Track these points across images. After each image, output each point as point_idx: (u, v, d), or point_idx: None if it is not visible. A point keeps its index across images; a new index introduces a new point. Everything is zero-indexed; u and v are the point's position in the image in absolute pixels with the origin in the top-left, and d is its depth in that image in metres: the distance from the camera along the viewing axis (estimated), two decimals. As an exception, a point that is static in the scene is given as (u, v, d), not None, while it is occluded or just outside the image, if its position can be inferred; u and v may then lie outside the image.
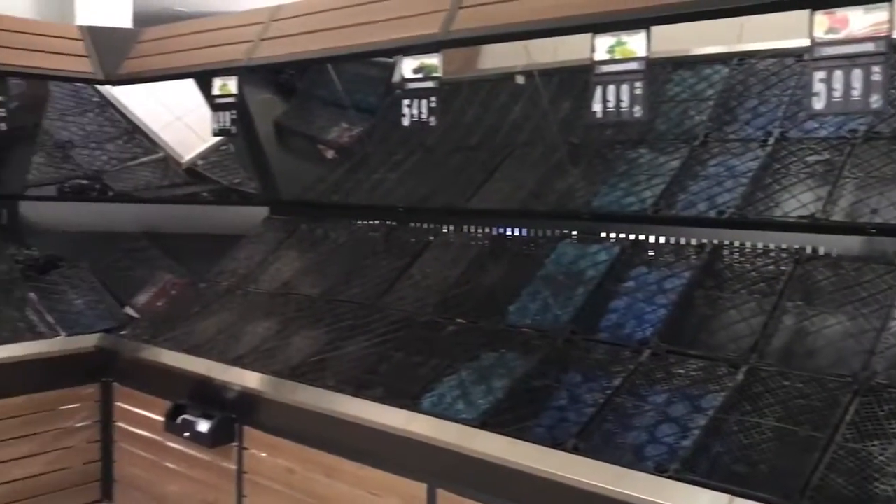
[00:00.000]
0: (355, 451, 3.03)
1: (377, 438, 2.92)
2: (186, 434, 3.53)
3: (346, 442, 3.05)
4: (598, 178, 3.53)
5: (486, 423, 2.68)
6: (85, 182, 4.94)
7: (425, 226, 3.96)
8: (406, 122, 3.02)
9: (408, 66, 3.02)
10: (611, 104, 2.53)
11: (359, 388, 3.09)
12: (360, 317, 3.56)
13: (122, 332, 4.13)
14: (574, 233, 3.42)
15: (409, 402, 2.92)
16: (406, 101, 3.03)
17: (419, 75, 2.99)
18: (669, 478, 2.28)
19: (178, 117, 5.52)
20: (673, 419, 2.54)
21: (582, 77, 3.88)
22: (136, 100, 5.41)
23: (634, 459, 2.41)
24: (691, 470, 2.29)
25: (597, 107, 2.56)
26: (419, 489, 2.81)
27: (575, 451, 2.47)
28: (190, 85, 4.75)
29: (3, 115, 3.95)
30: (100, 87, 5.26)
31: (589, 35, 2.66)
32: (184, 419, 3.56)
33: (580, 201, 3.46)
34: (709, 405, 2.52)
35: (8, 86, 4.05)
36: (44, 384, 3.92)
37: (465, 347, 3.11)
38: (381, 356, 3.26)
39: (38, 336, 3.99)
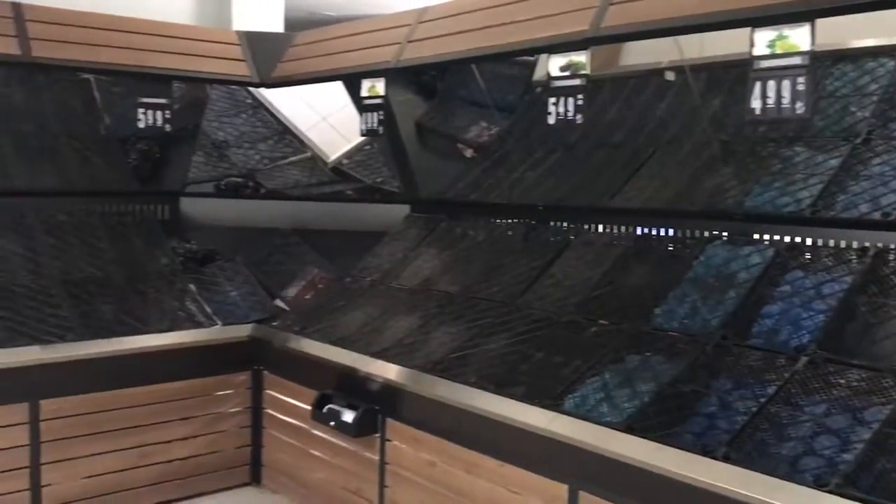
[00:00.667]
0: (496, 448, 3.05)
1: (519, 437, 2.92)
2: (332, 423, 3.66)
3: (487, 439, 3.08)
4: (750, 177, 3.39)
5: (631, 426, 2.64)
6: (239, 180, 5.20)
7: (566, 225, 3.93)
8: (552, 120, 3.01)
9: (554, 64, 3.01)
10: (770, 100, 2.43)
11: (500, 386, 3.11)
12: (500, 315, 3.58)
13: (273, 323, 4.32)
14: (724, 234, 3.31)
15: (551, 402, 2.91)
16: (552, 99, 3.02)
17: (566, 73, 2.97)
18: (830, 492, 2.17)
19: (323, 118, 5.72)
20: (832, 431, 2.41)
21: (734, 72, 3.75)
22: (285, 101, 5.64)
23: (790, 471, 2.31)
24: (854, 485, 2.17)
25: (755, 103, 2.47)
26: (561, 490, 2.80)
27: (726, 459, 2.39)
28: (335, 87, 4.92)
29: (168, 117, 4.22)
30: (252, 90, 5.52)
31: (744, 29, 2.57)
32: (330, 408, 3.69)
33: (731, 201, 3.34)
34: (873, 418, 2.38)
35: (172, 89, 4.32)
36: (201, 370, 4.15)
37: (608, 349, 3.07)
38: (522, 355, 3.27)
39: (196, 325, 4.24)
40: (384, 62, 3.78)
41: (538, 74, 4.85)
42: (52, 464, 3.72)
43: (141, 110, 4.14)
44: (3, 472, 3.61)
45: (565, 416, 2.81)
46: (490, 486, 3.07)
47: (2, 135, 4.57)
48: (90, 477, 3.82)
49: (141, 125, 4.17)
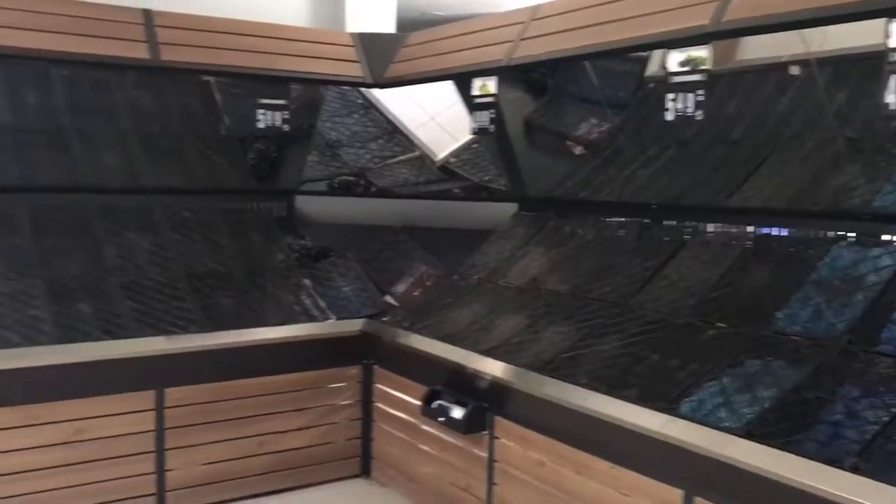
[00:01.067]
0: (608, 450, 3.01)
1: (631, 440, 2.88)
2: (441, 419, 3.70)
3: (598, 440, 3.04)
4: (880, 175, 3.23)
5: (751, 432, 2.56)
6: (351, 179, 5.31)
7: (680, 224, 3.84)
8: (670, 116, 2.95)
9: (673, 60, 2.94)
10: (908, 95, 2.31)
11: (612, 388, 3.07)
12: (612, 315, 3.53)
13: (384, 319, 4.40)
14: (851, 234, 3.16)
15: (667, 405, 2.85)
16: (670, 95, 2.95)
17: (685, 68, 2.90)
18: (972, 511, 2.05)
19: (431, 117, 5.77)
20: (974, 445, 2.27)
21: (862, 66, 3.58)
22: (395, 101, 5.73)
23: (927, 486, 2.19)
24: None
25: (891, 98, 2.34)
26: (675, 494, 2.74)
27: (855, 470, 2.29)
28: (443, 86, 4.96)
29: (286, 117, 4.35)
30: (364, 90, 5.63)
31: (877, 21, 2.44)
32: (439, 404, 3.73)
33: (858, 200, 3.19)
34: None
35: (290, 91, 4.45)
36: (314, 363, 4.26)
37: (726, 353, 2.98)
38: (635, 357, 3.21)
39: (310, 319, 4.36)
40: (496, 61, 3.79)
41: (651, 70, 4.76)
42: (175, 450, 3.91)
43: (260, 111, 4.29)
44: (132, 455, 3.81)
45: (681, 420, 2.75)
46: (601, 487, 3.04)
47: (131, 136, 4.82)
48: (209, 463, 3.99)
49: (260, 125, 4.32)
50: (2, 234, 4.09)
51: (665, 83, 3.13)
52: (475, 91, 3.94)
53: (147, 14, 4.10)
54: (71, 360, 3.63)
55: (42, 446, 3.61)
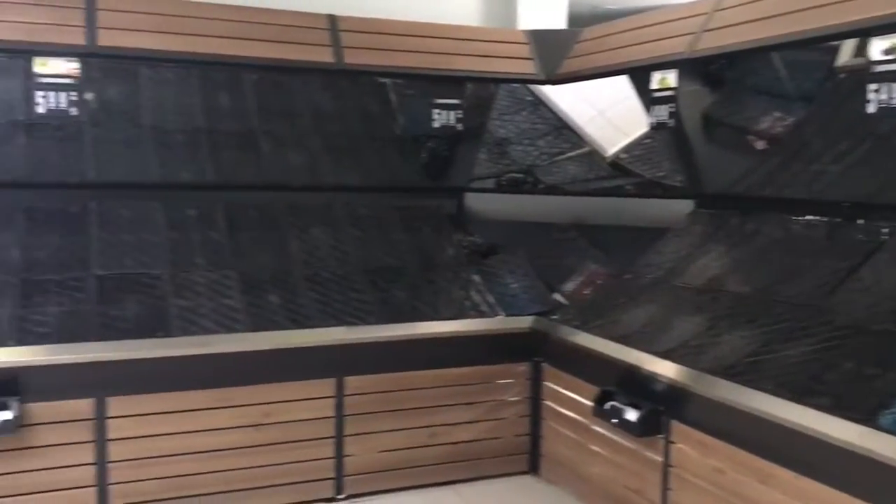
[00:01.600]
0: (795, 460, 2.85)
1: (822, 451, 2.72)
2: (614, 420, 3.64)
3: (784, 449, 2.89)
4: None
5: (965, 451, 2.35)
6: (519, 176, 5.34)
7: (878, 224, 3.57)
8: (872, 108, 2.75)
9: (877, 48, 2.74)
10: None
11: (800, 395, 2.91)
12: (800, 319, 3.34)
13: (553, 317, 4.39)
14: None
15: (863, 416, 2.67)
16: (872, 86, 2.75)
17: (891, 56, 2.70)
18: None
19: (600, 112, 5.69)
20: None
21: None
22: (563, 97, 5.69)
23: None
24: None
25: None
26: (872, 512, 2.57)
27: None
28: (612, 80, 4.86)
29: (460, 116, 4.43)
30: (532, 87, 5.63)
31: None
32: (612, 406, 3.67)
33: None
34: None
35: (464, 90, 4.53)
36: (484, 358, 4.32)
37: (933, 362, 2.75)
38: (827, 363, 3.03)
39: (480, 314, 4.42)
40: (677, 53, 3.68)
41: (842, 59, 4.46)
42: (353, 436, 4.07)
43: (436, 111, 4.40)
44: (313, 439, 4.01)
45: (882, 434, 2.56)
46: (785, 498, 2.89)
47: (314, 135, 5.08)
48: (384, 451, 4.13)
49: (435, 125, 4.43)
50: (201, 230, 4.41)
51: (863, 73, 2.93)
52: (654, 85, 3.85)
53: (332, 19, 4.30)
54: (261, 348, 3.87)
55: (234, 427, 3.86)
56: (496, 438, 4.38)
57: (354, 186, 4.95)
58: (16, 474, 3.52)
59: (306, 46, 4.19)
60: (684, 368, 3.39)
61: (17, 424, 3.41)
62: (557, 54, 4.61)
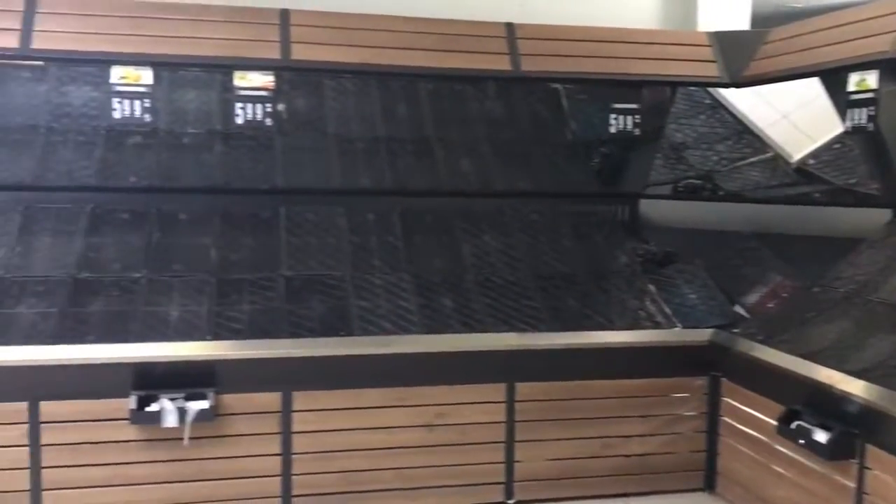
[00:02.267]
0: None
1: None
2: (801, 441, 3.44)
3: None
4: None
5: None
6: (697, 182, 5.16)
7: None
8: None
9: None
10: None
11: None
12: None
13: (734, 330, 4.20)
14: None
15: None
16: None
17: None
18: None
19: (784, 116, 5.40)
20: None
21: None
22: (743, 100, 5.45)
23: None
24: None
25: None
26: None
27: None
28: (796, 83, 4.58)
29: (638, 121, 4.34)
30: (711, 90, 5.43)
31: None
32: (798, 425, 3.47)
33: None
34: None
35: (641, 95, 4.43)
36: (658, 371, 4.20)
37: None
38: None
39: (655, 325, 4.30)
40: (880, 52, 3.43)
41: None
42: (524, 442, 4.07)
43: (613, 116, 4.33)
44: (484, 443, 4.05)
45: None
46: None
47: (486, 142, 5.13)
48: (555, 459, 4.10)
49: (612, 130, 4.36)
50: (379, 234, 4.57)
51: None
52: (851, 87, 3.60)
53: (509, 27, 4.33)
54: (436, 350, 3.95)
55: (408, 426, 3.95)
56: (670, 453, 4.24)
57: (526, 192, 4.96)
58: (210, 460, 3.77)
59: (484, 55, 4.24)
60: (882, 389, 3.15)
61: (213, 413, 3.67)
62: (742, 56, 4.41)
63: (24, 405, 3.60)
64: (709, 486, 4.26)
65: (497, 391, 4.04)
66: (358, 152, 4.93)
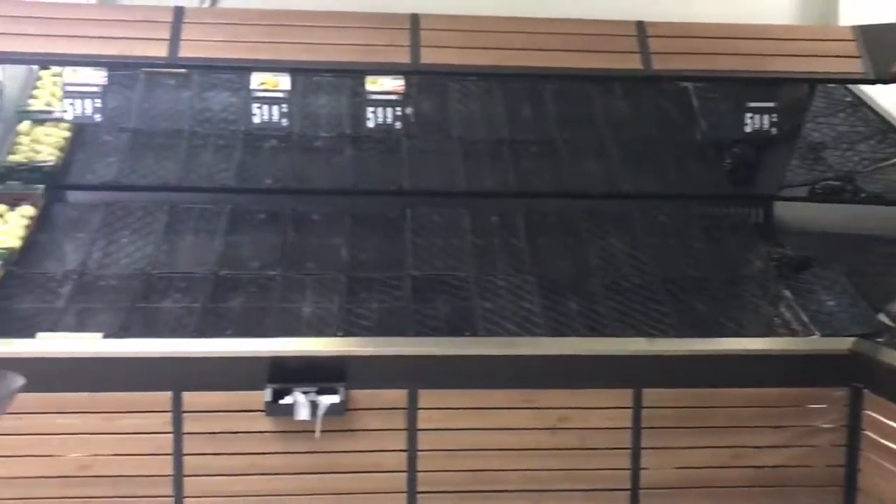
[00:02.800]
0: None
1: None
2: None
3: None
4: None
5: None
6: (836, 183, 4.91)
7: None
8: None
9: None
10: None
11: None
12: None
13: (878, 339, 3.97)
14: None
15: None
16: None
17: None
18: None
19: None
20: None
21: None
22: (889, 97, 5.14)
23: None
24: None
25: None
26: None
27: None
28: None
29: (774, 120, 4.17)
30: (852, 87, 5.16)
31: None
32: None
33: None
34: None
35: (779, 93, 4.25)
36: (794, 380, 4.01)
37: None
38: None
39: (791, 332, 4.12)
40: None
41: None
42: (651, 449, 3.98)
43: (748, 115, 4.18)
44: (608, 448, 3.97)
45: None
46: None
47: (612, 143, 5.07)
48: (683, 468, 3.99)
49: (748, 129, 4.21)
50: (503, 235, 4.58)
51: None
52: None
53: (640, 25, 4.25)
54: (561, 353, 3.92)
55: (531, 428, 3.92)
56: (806, 467, 4.05)
57: (653, 194, 4.86)
58: (339, 453, 3.86)
59: (614, 54, 4.18)
60: None
61: (343, 408, 3.77)
62: (890, 51, 4.17)
63: (168, 395, 3.80)
64: (849, 503, 4.05)
65: (623, 397, 3.97)
66: (482, 154, 4.96)
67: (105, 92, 3.82)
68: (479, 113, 5.19)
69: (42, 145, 4.75)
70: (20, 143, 4.77)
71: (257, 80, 3.91)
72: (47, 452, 3.79)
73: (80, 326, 3.85)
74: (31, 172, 4.57)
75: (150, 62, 3.89)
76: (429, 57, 4.07)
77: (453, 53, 4.12)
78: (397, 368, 3.84)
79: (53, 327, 3.82)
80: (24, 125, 4.86)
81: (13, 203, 4.41)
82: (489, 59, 4.11)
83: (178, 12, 4.03)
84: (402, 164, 4.86)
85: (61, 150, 4.75)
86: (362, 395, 3.84)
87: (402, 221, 4.61)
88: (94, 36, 3.91)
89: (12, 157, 4.67)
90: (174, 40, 3.96)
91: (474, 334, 3.95)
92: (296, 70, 3.99)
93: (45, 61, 4.42)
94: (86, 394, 3.77)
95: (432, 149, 4.96)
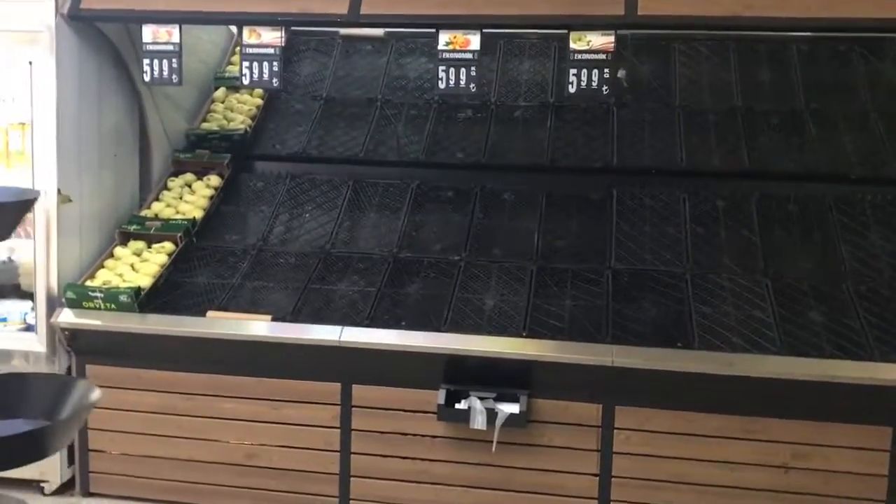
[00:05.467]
0: None
1: None
2: None
3: None
4: None
5: None
6: None
7: None
8: None
9: None
10: None
11: None
12: None
13: None
14: None
15: None
16: None
17: None
18: None
19: None
20: None
21: None
22: None
23: None
24: None
25: None
26: None
27: None
28: None
29: None
30: None
31: None
32: None
33: None
34: None
35: None
36: None
37: None
38: None
39: None
40: None
41: None
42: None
43: None
44: (859, 499, 3.23)
45: None
46: None
47: (875, 114, 4.19)
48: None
49: None
50: (730, 224, 3.85)
51: None
52: None
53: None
54: (798, 376, 3.16)
55: (755, 464, 3.28)
56: None
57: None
58: (518, 470, 3.45)
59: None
60: None
61: (525, 420, 3.31)
62: None
63: (337, 386, 3.54)
64: None
65: (880, 436, 3.19)
66: (709, 126, 4.26)
67: (282, 55, 3.50)
68: (706, 77, 4.46)
69: (234, 113, 4.62)
70: (215, 111, 4.68)
71: (444, 38, 3.42)
72: (216, 437, 3.67)
73: (251, 306, 3.65)
74: (220, 141, 4.46)
75: (329, 19, 3.52)
76: (648, 7, 3.36)
77: (679, 2, 3.38)
78: (591, 379, 3.32)
79: (225, 305, 3.64)
80: (220, 92, 4.77)
81: (201, 172, 4.31)
82: (725, 8, 3.32)
83: (363, -37, 3.63)
84: (608, 138, 4.24)
85: (253, 118, 4.59)
86: (547, 407, 3.37)
87: (605, 204, 4.00)
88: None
89: (205, 125, 4.59)
90: (356, -3, 3.57)
91: (688, 346, 3.29)
92: (488, 25, 3.45)
93: (224, 21, 4.20)
94: (253, 378, 3.58)
95: (647, 119, 4.32)
